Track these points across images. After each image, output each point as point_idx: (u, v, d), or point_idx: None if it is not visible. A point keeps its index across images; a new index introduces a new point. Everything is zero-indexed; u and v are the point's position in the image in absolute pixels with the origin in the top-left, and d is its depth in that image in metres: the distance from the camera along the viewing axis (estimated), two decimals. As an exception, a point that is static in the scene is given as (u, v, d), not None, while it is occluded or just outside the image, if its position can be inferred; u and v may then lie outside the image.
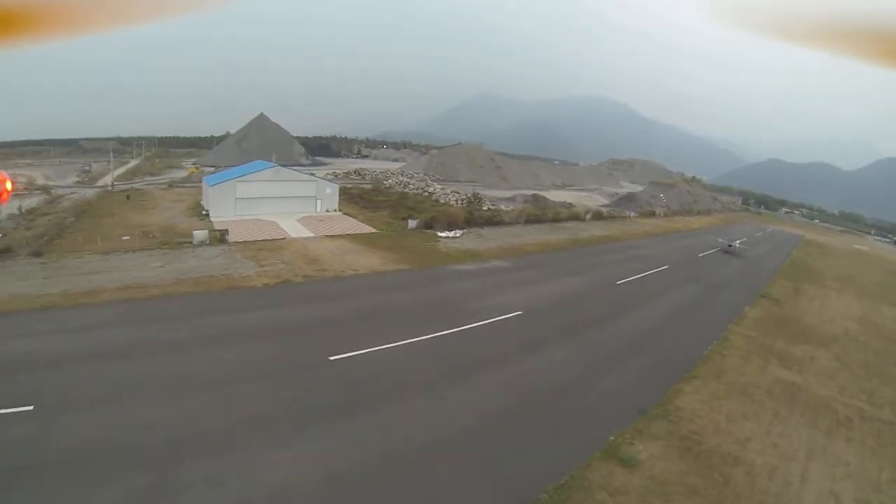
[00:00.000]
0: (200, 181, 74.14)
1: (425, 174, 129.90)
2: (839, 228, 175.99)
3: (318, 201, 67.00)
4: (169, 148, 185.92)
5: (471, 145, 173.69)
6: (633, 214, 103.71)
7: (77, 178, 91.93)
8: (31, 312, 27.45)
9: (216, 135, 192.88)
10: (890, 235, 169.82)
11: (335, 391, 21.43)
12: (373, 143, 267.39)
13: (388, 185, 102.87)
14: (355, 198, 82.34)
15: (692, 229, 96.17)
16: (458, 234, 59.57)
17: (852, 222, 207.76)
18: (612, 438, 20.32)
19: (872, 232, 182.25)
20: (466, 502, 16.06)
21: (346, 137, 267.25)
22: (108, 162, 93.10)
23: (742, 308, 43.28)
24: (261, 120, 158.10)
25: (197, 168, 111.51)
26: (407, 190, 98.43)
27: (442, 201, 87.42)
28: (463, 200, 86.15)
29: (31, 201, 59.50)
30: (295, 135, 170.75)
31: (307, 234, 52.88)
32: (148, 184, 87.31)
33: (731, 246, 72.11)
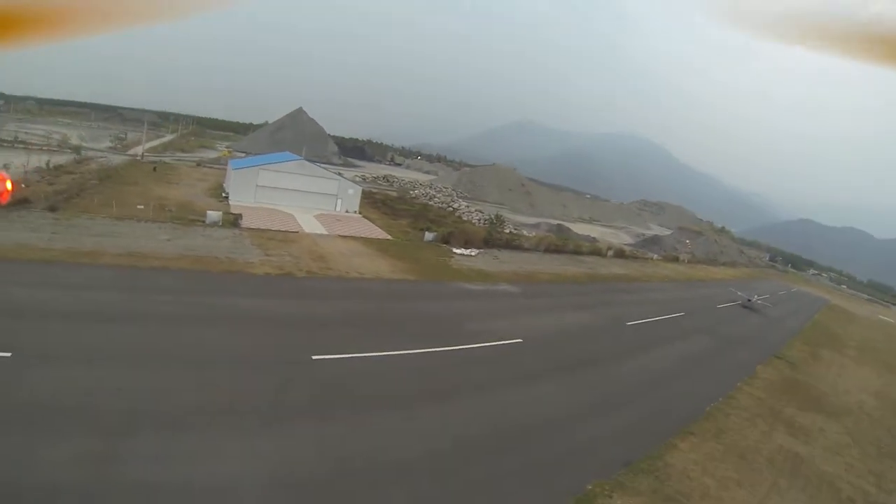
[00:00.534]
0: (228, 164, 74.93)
1: (453, 189, 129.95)
2: (866, 296, 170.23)
3: (339, 200, 66.93)
4: (206, 129, 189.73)
5: (503, 167, 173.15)
6: (656, 257, 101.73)
7: (110, 144, 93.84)
8: (32, 264, 27.69)
9: (255, 122, 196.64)
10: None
11: (308, 392, 20.59)
12: (407, 153, 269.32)
13: (413, 195, 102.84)
14: (378, 203, 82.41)
15: (715, 279, 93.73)
16: (473, 253, 58.71)
17: (880, 292, 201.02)
18: (590, 488, 18.94)
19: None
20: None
21: (381, 143, 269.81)
22: (143, 133, 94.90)
23: (754, 367, 41.19)
24: (298, 113, 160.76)
25: (229, 151, 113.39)
26: (432, 202, 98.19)
27: (465, 218, 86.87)
28: (485, 220, 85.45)
29: (61, 159, 60.54)
30: (332, 133, 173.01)
31: (321, 230, 52.66)
32: (177, 159, 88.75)
33: (749, 301, 69.76)
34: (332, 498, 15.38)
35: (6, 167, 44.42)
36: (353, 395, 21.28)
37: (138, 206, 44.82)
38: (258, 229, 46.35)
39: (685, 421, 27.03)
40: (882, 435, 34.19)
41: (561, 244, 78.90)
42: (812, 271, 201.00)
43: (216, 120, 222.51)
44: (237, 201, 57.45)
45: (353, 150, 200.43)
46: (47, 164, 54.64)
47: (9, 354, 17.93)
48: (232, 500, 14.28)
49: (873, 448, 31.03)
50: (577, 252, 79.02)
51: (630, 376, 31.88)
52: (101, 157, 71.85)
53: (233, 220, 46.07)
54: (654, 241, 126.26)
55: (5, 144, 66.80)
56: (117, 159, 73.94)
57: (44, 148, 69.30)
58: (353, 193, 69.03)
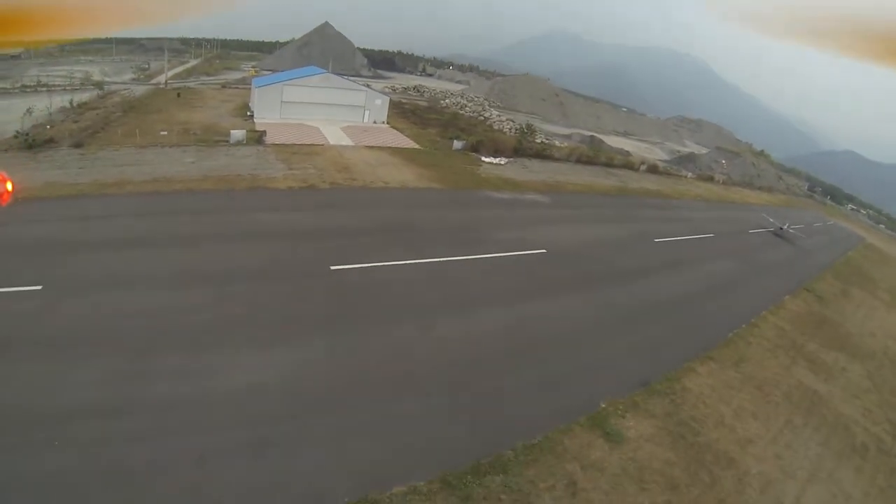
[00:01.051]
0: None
1: (485, 99, 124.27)
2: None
3: (367, 112, 64.85)
4: (231, 51, 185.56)
5: (536, 77, 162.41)
6: (690, 175, 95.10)
7: (133, 76, 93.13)
8: (60, 199, 27.94)
9: (281, 40, 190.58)
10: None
11: (324, 302, 20.64)
12: (439, 63, 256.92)
13: (443, 105, 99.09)
14: (407, 113, 79.70)
15: (749, 203, 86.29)
16: (502, 162, 56.38)
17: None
18: (604, 406, 18.38)
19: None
20: (424, 439, 15.05)
21: (412, 55, 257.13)
22: (164, 61, 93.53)
23: (782, 297, 38.16)
24: (324, 28, 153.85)
25: (255, 71, 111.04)
26: (462, 112, 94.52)
27: (496, 127, 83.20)
28: (516, 130, 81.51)
29: (84, 96, 60.60)
30: (361, 46, 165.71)
31: (347, 142, 51.46)
32: (202, 83, 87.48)
33: (782, 229, 64.39)
34: (345, 403, 15.70)
35: (29, 111, 44.67)
36: (369, 305, 21.21)
37: (161, 133, 44.71)
38: (283, 144, 45.61)
39: (706, 346, 25.75)
40: (904, 384, 31.43)
41: (593, 156, 74.89)
42: (851, 206, 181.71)
43: (241, 41, 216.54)
44: (262, 119, 56.49)
45: (384, 62, 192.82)
46: (70, 102, 54.74)
47: (39, 287, 18.55)
48: (249, 410, 14.70)
49: (893, 397, 28.59)
50: (608, 164, 74.57)
51: (653, 294, 30.24)
52: (125, 90, 71.34)
53: (257, 138, 45.50)
54: (689, 159, 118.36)
55: (28, 90, 66.96)
56: (140, 90, 73.30)
57: (67, 88, 69.00)
58: (381, 104, 66.55)
